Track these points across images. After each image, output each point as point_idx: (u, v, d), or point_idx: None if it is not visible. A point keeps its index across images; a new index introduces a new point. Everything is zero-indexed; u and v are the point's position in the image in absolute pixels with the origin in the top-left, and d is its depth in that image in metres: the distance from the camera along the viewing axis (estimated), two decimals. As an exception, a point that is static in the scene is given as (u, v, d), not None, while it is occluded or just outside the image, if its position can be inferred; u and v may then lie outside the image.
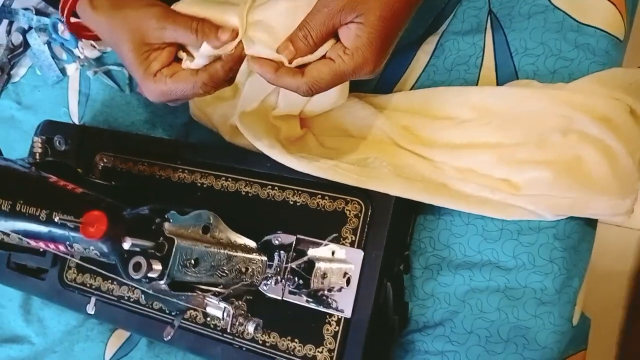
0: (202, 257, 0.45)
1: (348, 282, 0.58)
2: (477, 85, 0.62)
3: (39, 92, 0.90)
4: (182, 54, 0.51)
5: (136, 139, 0.76)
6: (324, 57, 0.47)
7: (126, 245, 0.39)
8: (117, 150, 0.74)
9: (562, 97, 0.55)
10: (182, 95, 0.51)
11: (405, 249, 0.64)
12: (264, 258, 0.53)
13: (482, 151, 0.57)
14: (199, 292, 0.46)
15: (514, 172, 0.57)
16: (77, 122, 0.87)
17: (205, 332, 0.62)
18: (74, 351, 0.77)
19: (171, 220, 0.42)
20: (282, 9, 0.46)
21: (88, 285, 0.70)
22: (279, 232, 0.62)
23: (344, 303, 0.58)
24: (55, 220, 0.50)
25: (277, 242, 0.62)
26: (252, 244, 0.53)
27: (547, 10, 0.60)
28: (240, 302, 0.57)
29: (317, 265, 0.59)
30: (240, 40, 0.48)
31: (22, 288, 0.76)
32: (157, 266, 0.42)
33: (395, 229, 0.59)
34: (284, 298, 0.60)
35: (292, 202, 0.63)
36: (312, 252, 0.60)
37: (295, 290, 0.59)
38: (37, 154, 0.61)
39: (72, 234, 0.49)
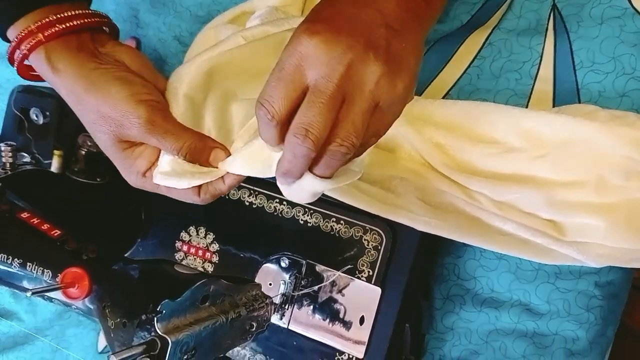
0: (202, 343, 0.38)
1: (362, 321, 0.53)
2: (529, 99, 0.52)
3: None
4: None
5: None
6: None
7: None
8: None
9: (631, 136, 0.46)
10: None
11: (428, 274, 0.58)
12: (270, 301, 0.47)
13: (529, 187, 0.49)
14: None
15: (563, 214, 0.49)
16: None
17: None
18: (65, 336, 0.74)
19: (164, 312, 0.35)
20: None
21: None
22: (286, 253, 0.56)
23: (355, 343, 0.53)
24: (30, 270, 0.43)
25: (284, 264, 0.56)
26: (256, 287, 0.46)
27: (626, 15, 0.49)
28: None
29: (327, 297, 0.54)
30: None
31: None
32: None
33: (419, 262, 0.53)
34: (289, 327, 0.55)
35: (302, 222, 0.55)
36: (325, 280, 0.54)
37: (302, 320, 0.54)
38: (8, 164, 0.52)
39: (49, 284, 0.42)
